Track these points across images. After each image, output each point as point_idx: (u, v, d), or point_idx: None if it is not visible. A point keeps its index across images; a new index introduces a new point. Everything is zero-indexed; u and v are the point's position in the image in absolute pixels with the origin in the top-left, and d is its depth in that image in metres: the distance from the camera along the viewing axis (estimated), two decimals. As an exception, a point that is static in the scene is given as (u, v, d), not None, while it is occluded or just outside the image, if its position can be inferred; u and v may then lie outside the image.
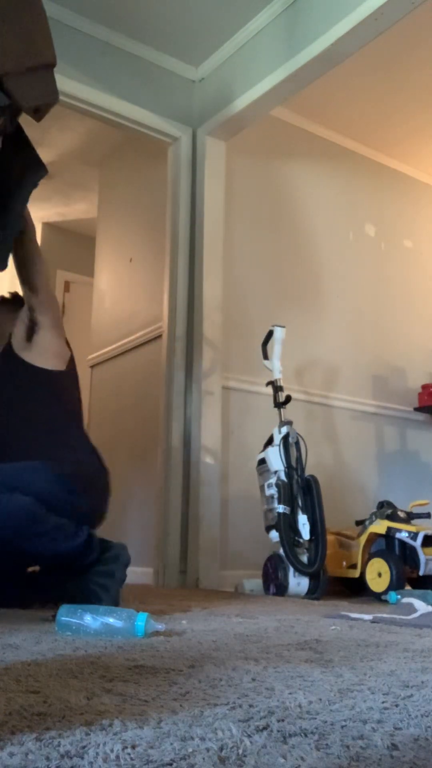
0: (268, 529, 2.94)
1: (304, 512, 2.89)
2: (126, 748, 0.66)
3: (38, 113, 1.83)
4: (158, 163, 3.97)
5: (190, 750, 0.66)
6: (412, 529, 2.89)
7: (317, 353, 3.95)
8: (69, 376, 2.19)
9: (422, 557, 2.82)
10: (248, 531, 3.42)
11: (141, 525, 3.67)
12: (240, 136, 3.80)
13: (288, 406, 3.15)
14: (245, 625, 1.71)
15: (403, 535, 2.88)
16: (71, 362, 2.21)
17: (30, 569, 2.07)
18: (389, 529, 2.93)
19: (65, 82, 3.27)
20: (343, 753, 0.66)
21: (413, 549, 2.86)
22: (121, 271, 4.33)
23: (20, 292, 2.28)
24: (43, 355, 2.14)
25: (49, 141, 4.58)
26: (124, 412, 4.02)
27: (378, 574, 2.88)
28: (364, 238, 4.35)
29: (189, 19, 3.48)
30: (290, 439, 3.00)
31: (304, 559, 2.84)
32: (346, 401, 4.00)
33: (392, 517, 2.99)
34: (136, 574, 3.58)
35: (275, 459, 2.96)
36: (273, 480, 2.94)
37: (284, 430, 3.01)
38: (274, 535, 2.88)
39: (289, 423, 3.05)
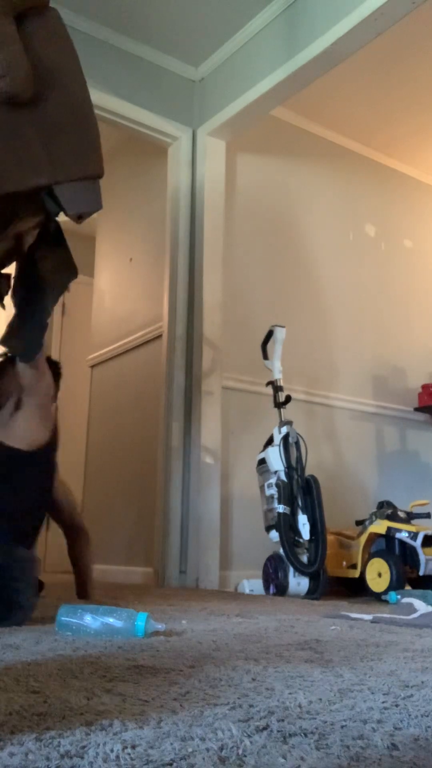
0: (268, 529, 2.94)
1: (304, 512, 2.89)
2: (126, 748, 0.66)
3: (80, 219, 1.94)
4: (158, 163, 3.97)
5: (190, 750, 0.66)
6: (412, 529, 2.89)
7: (317, 353, 3.95)
8: (29, 457, 2.13)
9: (422, 557, 2.82)
10: (248, 531, 3.42)
11: (141, 525, 3.67)
12: (240, 136, 3.80)
13: (288, 406, 3.15)
14: (245, 625, 1.71)
15: (403, 535, 2.88)
16: (47, 445, 2.15)
17: None
18: (389, 529, 2.93)
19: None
20: (343, 753, 0.66)
21: (413, 549, 2.86)
22: (121, 271, 4.33)
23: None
24: (11, 432, 2.12)
25: (49, 141, 4.57)
26: (124, 412, 4.02)
27: (378, 574, 2.88)
28: (364, 238, 4.35)
29: (189, 19, 3.48)
30: (290, 439, 3.00)
31: (304, 559, 2.84)
32: (346, 401, 4.00)
33: (392, 517, 2.99)
34: (136, 574, 3.58)
35: (275, 459, 2.96)
36: (273, 480, 2.94)
37: (284, 430, 3.01)
38: (274, 535, 2.88)
39: (289, 423, 3.05)
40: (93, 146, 1.85)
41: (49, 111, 1.80)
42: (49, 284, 2.11)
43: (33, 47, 1.81)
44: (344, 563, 3.13)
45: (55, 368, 2.42)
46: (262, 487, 3.03)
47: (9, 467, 2.06)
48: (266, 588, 2.94)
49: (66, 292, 2.17)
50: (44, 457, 2.14)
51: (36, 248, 2.16)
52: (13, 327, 2.12)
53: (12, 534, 1.98)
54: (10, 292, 2.26)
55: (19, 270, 2.27)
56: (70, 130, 1.81)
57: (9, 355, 2.32)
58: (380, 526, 2.97)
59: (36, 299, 2.11)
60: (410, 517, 3.01)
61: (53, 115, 1.80)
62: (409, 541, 2.86)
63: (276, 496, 2.89)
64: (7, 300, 2.43)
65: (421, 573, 2.84)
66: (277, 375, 3.20)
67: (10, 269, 2.38)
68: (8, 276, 2.38)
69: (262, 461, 3.04)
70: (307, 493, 2.92)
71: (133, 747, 0.66)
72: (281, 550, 2.84)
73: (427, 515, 3.01)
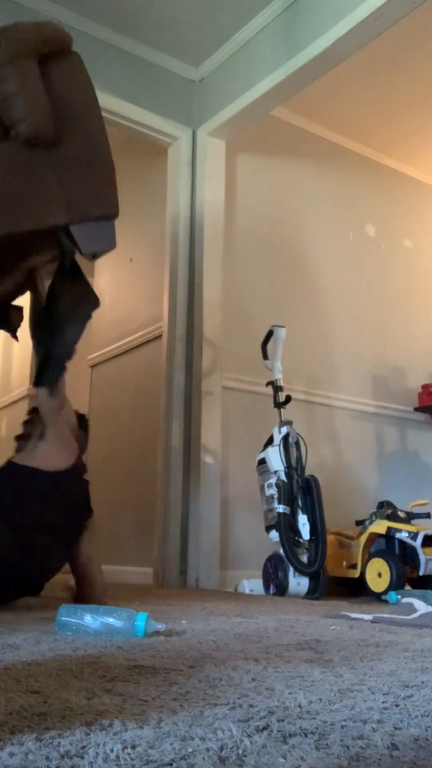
0: (268, 529, 2.94)
1: (304, 512, 2.89)
2: (126, 748, 0.66)
3: (94, 257, 2.03)
4: (158, 163, 3.97)
5: (190, 750, 0.66)
6: (412, 529, 2.89)
7: (317, 353, 3.95)
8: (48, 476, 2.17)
9: (422, 557, 2.82)
10: (248, 531, 3.41)
11: (141, 525, 3.67)
12: (240, 136, 3.80)
13: (288, 406, 3.15)
14: (245, 625, 1.71)
15: (403, 535, 2.88)
16: (66, 471, 2.20)
17: None
18: (389, 529, 2.93)
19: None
20: (343, 753, 0.66)
21: (413, 549, 2.86)
22: (121, 271, 4.33)
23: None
24: (35, 458, 2.17)
25: (49, 141, 4.57)
26: (124, 412, 4.02)
27: (378, 574, 2.88)
28: (364, 238, 4.35)
29: (189, 19, 3.48)
30: (290, 439, 3.00)
31: (304, 559, 2.84)
32: (346, 401, 4.00)
33: (392, 517, 2.99)
34: (136, 574, 3.58)
35: (275, 459, 2.96)
36: (273, 480, 2.94)
37: (284, 430, 3.01)
38: (274, 535, 2.88)
39: (289, 423, 3.05)
40: (109, 187, 1.89)
41: (68, 152, 1.84)
42: (70, 318, 2.16)
43: (54, 89, 1.87)
44: (344, 563, 3.13)
45: (82, 421, 2.44)
46: (262, 487, 3.03)
47: (21, 484, 2.09)
48: (266, 588, 2.94)
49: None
50: (63, 479, 2.17)
51: (54, 284, 2.21)
52: (42, 365, 2.17)
53: (23, 539, 2.00)
54: (30, 331, 2.31)
55: (33, 304, 2.32)
56: (87, 171, 1.85)
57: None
58: (380, 526, 2.97)
59: (60, 335, 2.15)
60: (410, 517, 3.01)
61: (71, 156, 1.84)
62: (409, 541, 2.86)
63: (276, 496, 2.89)
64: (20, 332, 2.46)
65: (421, 573, 2.84)
66: (277, 375, 3.20)
67: (23, 300, 2.42)
68: (20, 308, 2.43)
69: (262, 461, 3.04)
70: (307, 493, 2.92)
71: (133, 747, 0.66)
72: (281, 550, 2.84)
73: (427, 515, 3.01)
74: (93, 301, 2.22)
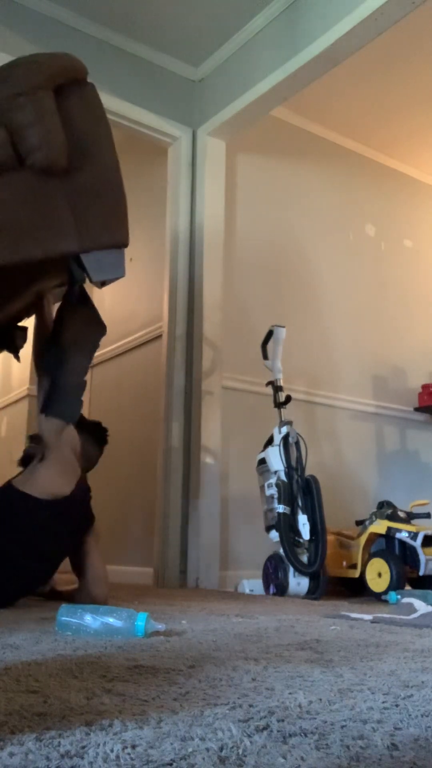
0: (268, 529, 2.94)
1: (304, 512, 2.89)
2: (126, 748, 0.66)
3: (103, 284, 2.05)
4: (158, 163, 3.96)
5: (190, 750, 0.66)
6: (412, 529, 2.89)
7: (317, 353, 3.95)
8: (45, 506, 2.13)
9: (422, 557, 2.82)
10: (248, 531, 3.41)
11: (141, 525, 3.67)
12: (240, 136, 3.80)
13: (288, 406, 3.15)
14: (245, 625, 1.71)
15: (403, 535, 2.88)
16: (65, 498, 2.16)
17: None
18: (389, 529, 2.93)
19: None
20: (343, 753, 0.66)
21: (413, 549, 2.86)
22: (121, 271, 4.33)
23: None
24: (33, 482, 2.13)
25: (49, 141, 4.57)
26: (124, 412, 4.02)
27: (378, 574, 2.88)
28: (364, 238, 4.35)
29: (189, 19, 3.48)
30: (290, 439, 3.00)
31: (304, 559, 2.84)
32: (346, 401, 4.00)
33: (392, 517, 2.99)
34: (136, 574, 3.58)
35: (275, 459, 2.96)
36: (273, 480, 2.94)
37: (284, 430, 3.01)
38: (274, 535, 2.88)
39: (289, 423, 3.05)
40: (120, 216, 1.92)
41: (81, 181, 1.87)
42: (77, 347, 2.18)
43: (70, 119, 1.90)
44: (344, 563, 3.13)
45: (100, 432, 2.42)
46: (262, 487, 3.03)
47: (17, 511, 2.06)
48: (266, 588, 2.94)
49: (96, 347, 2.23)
50: (61, 508, 2.13)
51: (62, 311, 2.22)
52: (49, 393, 2.17)
53: (13, 572, 1.99)
54: (34, 361, 2.31)
55: (37, 328, 2.33)
56: (99, 200, 1.88)
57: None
58: (380, 526, 2.97)
59: (69, 363, 2.16)
60: (410, 517, 3.01)
61: (84, 186, 1.87)
62: (409, 541, 2.86)
63: (276, 496, 2.89)
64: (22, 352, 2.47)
65: (421, 573, 2.84)
66: (277, 375, 3.20)
67: (29, 322, 2.42)
68: (25, 328, 2.44)
69: (262, 461, 3.04)
70: (307, 493, 2.92)
71: (133, 747, 0.66)
72: (281, 550, 2.84)
73: (427, 515, 3.01)
74: (100, 329, 2.23)
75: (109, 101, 3.51)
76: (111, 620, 1.46)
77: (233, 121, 3.61)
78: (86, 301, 2.24)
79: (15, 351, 2.47)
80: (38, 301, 2.36)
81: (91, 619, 1.47)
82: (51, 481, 2.13)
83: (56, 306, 2.33)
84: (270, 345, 3.28)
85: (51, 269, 2.15)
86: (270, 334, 3.29)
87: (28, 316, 2.44)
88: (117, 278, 2.02)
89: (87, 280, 2.03)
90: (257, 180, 3.95)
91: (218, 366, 3.50)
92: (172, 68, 3.80)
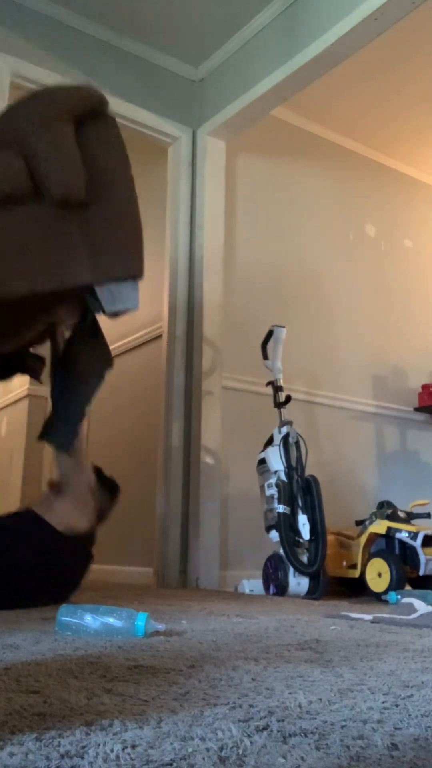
0: (268, 529, 2.94)
1: (304, 512, 2.89)
2: (126, 748, 0.66)
3: (116, 315, 2.03)
4: (158, 163, 3.96)
5: (190, 750, 0.66)
6: (412, 529, 2.89)
7: (317, 353, 3.95)
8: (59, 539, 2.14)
9: (422, 557, 2.82)
10: (248, 531, 3.41)
11: (141, 525, 3.67)
12: (240, 136, 3.80)
13: (288, 406, 3.15)
14: (245, 625, 1.71)
15: (403, 535, 2.88)
16: (81, 537, 2.19)
17: None
18: (389, 529, 2.93)
19: (65, 82, 3.27)
20: (343, 753, 0.66)
21: (413, 549, 2.86)
22: (121, 271, 4.33)
23: None
24: (52, 513, 2.16)
25: (49, 141, 4.57)
26: (124, 412, 4.02)
27: (378, 574, 2.88)
28: (364, 238, 4.35)
29: (189, 19, 3.48)
30: (290, 439, 3.00)
31: (304, 559, 2.84)
32: (346, 401, 4.00)
33: (392, 517, 2.99)
34: (136, 574, 3.58)
35: (275, 459, 2.96)
36: (273, 480, 2.94)
37: (284, 430, 3.01)
38: (274, 535, 2.88)
39: (289, 423, 3.05)
40: (136, 248, 1.90)
41: (97, 214, 1.86)
42: (84, 376, 2.18)
43: (88, 151, 1.89)
44: (344, 563, 3.13)
45: (109, 484, 2.41)
46: (262, 487, 3.03)
47: (39, 540, 2.09)
48: (266, 588, 2.93)
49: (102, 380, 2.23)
50: (75, 546, 2.16)
51: (72, 341, 2.21)
52: (49, 421, 2.17)
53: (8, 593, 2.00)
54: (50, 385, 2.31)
55: (53, 357, 2.33)
56: (114, 232, 1.87)
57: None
58: (380, 526, 2.97)
59: (71, 392, 2.16)
60: (410, 517, 3.01)
61: (100, 218, 1.86)
62: (409, 541, 2.86)
63: (276, 496, 2.89)
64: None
65: (421, 573, 2.84)
66: (277, 375, 3.20)
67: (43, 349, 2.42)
68: (42, 358, 2.44)
69: (262, 461, 3.04)
70: (307, 493, 2.92)
71: (133, 747, 0.66)
72: (281, 550, 2.84)
73: (427, 515, 3.01)
74: (108, 362, 2.23)
75: (109, 101, 3.51)
76: (111, 620, 1.46)
77: (233, 121, 3.61)
78: (97, 332, 2.23)
79: (33, 375, 2.47)
80: (52, 328, 2.36)
81: (91, 619, 1.47)
82: (70, 515, 2.16)
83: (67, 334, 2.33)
84: (270, 345, 3.28)
85: (66, 300, 2.14)
86: (270, 334, 3.29)
87: (42, 344, 2.44)
88: (131, 310, 2.01)
89: (101, 312, 2.03)
90: (257, 180, 3.95)
91: (218, 366, 3.50)
92: (172, 68, 3.80)
